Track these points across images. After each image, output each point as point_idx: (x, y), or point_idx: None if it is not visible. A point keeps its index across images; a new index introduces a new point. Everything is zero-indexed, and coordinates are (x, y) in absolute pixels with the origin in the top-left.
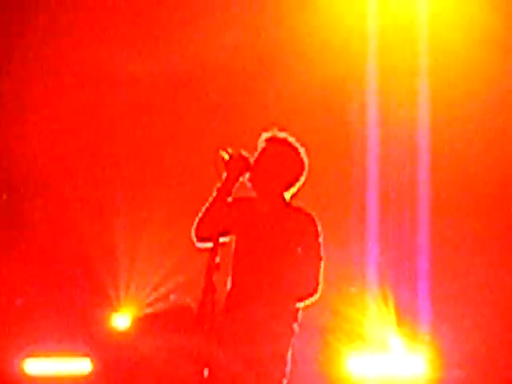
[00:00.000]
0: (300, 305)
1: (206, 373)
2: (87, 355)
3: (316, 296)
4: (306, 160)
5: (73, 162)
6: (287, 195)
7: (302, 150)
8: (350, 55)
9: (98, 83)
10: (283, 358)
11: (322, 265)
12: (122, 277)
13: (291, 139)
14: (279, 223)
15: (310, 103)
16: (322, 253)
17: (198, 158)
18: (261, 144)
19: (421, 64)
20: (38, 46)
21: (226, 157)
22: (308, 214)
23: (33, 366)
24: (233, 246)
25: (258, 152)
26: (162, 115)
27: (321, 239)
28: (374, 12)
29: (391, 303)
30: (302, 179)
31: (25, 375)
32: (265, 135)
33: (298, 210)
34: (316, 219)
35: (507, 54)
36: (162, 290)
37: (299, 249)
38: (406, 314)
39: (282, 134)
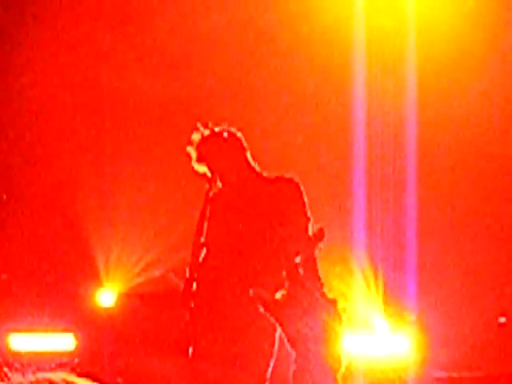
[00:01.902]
0: (296, 260)
1: (190, 350)
2: (72, 331)
3: (314, 247)
4: (232, 129)
5: (60, 135)
6: (252, 164)
7: (223, 128)
8: (337, 46)
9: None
10: (271, 336)
11: (310, 226)
12: (107, 253)
13: (207, 131)
14: (253, 198)
15: (298, 96)
16: (309, 213)
17: (181, 139)
18: (194, 152)
19: (408, 57)
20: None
21: (194, 155)
22: (287, 179)
23: (17, 341)
24: (214, 233)
25: (198, 158)
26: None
27: (305, 200)
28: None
29: (377, 283)
30: (244, 142)
31: (9, 351)
32: (192, 148)
33: (276, 177)
34: (297, 181)
35: (495, 45)
36: (148, 267)
37: (283, 215)
38: (390, 293)
39: (198, 135)
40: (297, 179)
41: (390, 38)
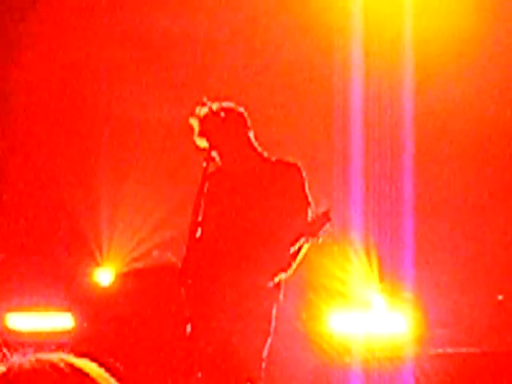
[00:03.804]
0: (293, 249)
1: (188, 329)
2: (70, 310)
3: (304, 239)
4: (238, 107)
5: (54, 116)
6: (255, 144)
7: (227, 104)
8: (333, 11)
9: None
10: (268, 315)
11: (311, 210)
12: (105, 231)
13: (215, 105)
14: (259, 180)
15: (294, 88)
16: (311, 199)
17: (177, 117)
18: (196, 125)
19: (406, 26)
20: None
21: (197, 127)
22: (290, 164)
23: (15, 320)
24: (213, 210)
25: (200, 132)
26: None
27: (306, 185)
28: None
29: (374, 261)
30: (246, 118)
31: (7, 329)
32: (193, 118)
33: (279, 161)
34: (299, 166)
35: (494, 37)
36: (146, 246)
37: (285, 199)
38: (388, 271)
39: (204, 110)
40: (299, 164)
41: (387, 32)
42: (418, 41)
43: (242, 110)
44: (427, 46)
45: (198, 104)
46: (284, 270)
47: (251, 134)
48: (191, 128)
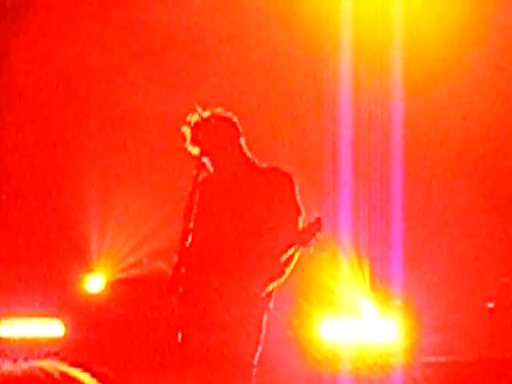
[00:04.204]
0: (284, 257)
1: (179, 337)
2: (60, 317)
3: (295, 247)
4: (229, 114)
5: (45, 124)
6: (246, 152)
7: (219, 111)
8: (323, 18)
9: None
10: (258, 323)
11: (302, 219)
12: (95, 238)
13: (206, 112)
14: (250, 187)
15: (284, 87)
16: (302, 208)
17: (173, 121)
18: (188, 132)
19: (394, 34)
20: None
21: (188, 134)
22: (281, 172)
23: (5, 327)
24: (204, 218)
25: (192, 140)
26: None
27: (297, 193)
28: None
29: (364, 268)
30: (239, 127)
31: None
32: (185, 126)
33: (269, 169)
34: (290, 175)
35: (481, 43)
36: (137, 254)
37: (275, 208)
38: (378, 278)
39: (195, 117)
40: (291, 173)
41: (376, 35)
42: (408, 46)
43: (232, 116)
44: (416, 51)
45: (189, 111)
46: (275, 278)
47: (242, 141)
48: (183, 136)
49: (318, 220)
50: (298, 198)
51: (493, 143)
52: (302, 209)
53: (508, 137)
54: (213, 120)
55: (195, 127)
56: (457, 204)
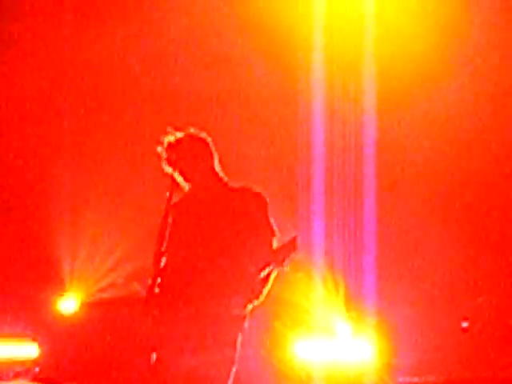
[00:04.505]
0: (259, 277)
1: (153, 358)
2: (34, 339)
3: (271, 267)
4: (202, 134)
5: (27, 140)
6: (220, 174)
7: (189, 131)
8: (295, 41)
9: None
10: (233, 343)
11: (276, 240)
12: (69, 260)
13: (177, 133)
14: (222, 207)
15: (257, 97)
16: (275, 228)
17: (146, 143)
18: (163, 152)
19: (367, 54)
20: None
21: (164, 155)
22: (254, 192)
23: None
24: (177, 239)
25: (167, 160)
26: (110, 105)
27: (270, 215)
28: (322, 2)
29: (338, 288)
30: (212, 148)
31: None
32: (159, 149)
33: (243, 189)
34: (263, 195)
35: (453, 44)
36: (111, 276)
37: (250, 228)
38: (352, 298)
39: (168, 138)
40: (264, 193)
41: (349, 42)
42: (381, 65)
43: (206, 137)
44: (389, 70)
45: (163, 133)
46: (252, 299)
47: (216, 161)
48: (158, 156)
49: (294, 239)
50: (272, 218)
51: (467, 162)
52: (276, 229)
53: (482, 155)
54: (186, 140)
55: (169, 148)
56: (431, 224)
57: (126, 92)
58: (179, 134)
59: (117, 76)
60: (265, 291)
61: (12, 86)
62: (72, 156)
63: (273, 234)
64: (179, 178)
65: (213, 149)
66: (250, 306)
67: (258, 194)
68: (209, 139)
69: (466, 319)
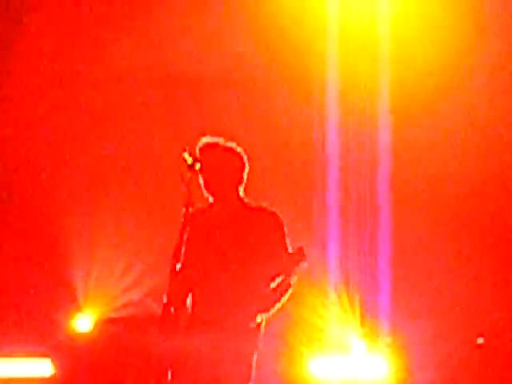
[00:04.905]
0: (273, 307)
1: (169, 375)
2: (49, 357)
3: (290, 291)
4: (243, 154)
5: (37, 158)
6: (241, 191)
7: (235, 147)
8: (310, 55)
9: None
10: (249, 362)
11: None
12: (85, 278)
13: (222, 141)
14: (240, 224)
15: (270, 105)
16: (290, 249)
17: (157, 158)
18: (198, 155)
19: (382, 65)
20: None
21: (189, 160)
22: (271, 212)
23: None
24: (193, 255)
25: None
26: (122, 113)
27: (287, 236)
28: (335, 13)
29: (353, 305)
30: (246, 172)
31: None
32: (199, 144)
33: (260, 209)
34: (279, 215)
35: (468, 53)
36: (128, 294)
37: (265, 249)
38: (367, 315)
39: (214, 139)
40: (279, 213)
41: (363, 44)
42: (396, 76)
43: (242, 152)
44: (405, 79)
45: (181, 147)
46: (264, 310)
47: (243, 179)
48: (176, 171)
49: (301, 249)
50: (288, 239)
51: (484, 172)
52: (290, 249)
53: (500, 166)
54: (225, 149)
55: (204, 150)
56: (446, 239)
57: (141, 103)
58: (216, 140)
59: (134, 82)
60: (277, 303)
61: (19, 87)
62: (86, 173)
63: (287, 253)
64: (203, 186)
65: (246, 166)
66: (262, 316)
67: (273, 213)
68: (245, 157)
69: (481, 335)
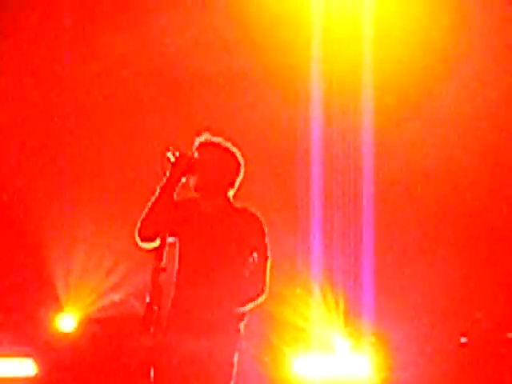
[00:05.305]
0: (247, 307)
1: (151, 375)
2: (32, 357)
3: (263, 297)
4: (241, 159)
5: (18, 155)
6: (230, 194)
7: (235, 151)
8: (294, 54)
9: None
10: (230, 360)
11: (269, 265)
12: (66, 277)
13: (224, 142)
14: (224, 224)
15: (255, 107)
16: (269, 253)
17: (139, 156)
18: (196, 149)
19: (365, 65)
20: None
21: (172, 158)
22: (253, 214)
23: None
24: (177, 248)
25: (195, 158)
26: (105, 113)
27: (267, 238)
28: (319, 15)
29: (336, 304)
30: (240, 178)
31: None
32: (198, 140)
33: (243, 210)
34: (262, 219)
35: (452, 51)
36: (110, 294)
37: (245, 249)
38: (350, 314)
39: (214, 138)
40: (260, 216)
41: (347, 49)
42: (380, 73)
43: (240, 157)
44: (389, 78)
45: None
46: (241, 321)
47: (236, 183)
48: (161, 170)
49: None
50: (267, 239)
51: (468, 176)
52: (269, 253)
53: (486, 171)
54: (224, 148)
55: (202, 147)
56: (428, 239)
57: (132, 104)
58: (215, 139)
59: (118, 82)
60: (254, 300)
61: (9, 91)
62: (68, 171)
63: (267, 259)
64: (195, 183)
65: (240, 172)
66: (240, 328)
67: (256, 216)
68: (242, 161)
69: (464, 335)
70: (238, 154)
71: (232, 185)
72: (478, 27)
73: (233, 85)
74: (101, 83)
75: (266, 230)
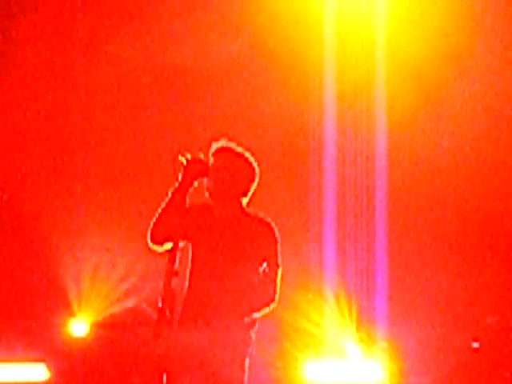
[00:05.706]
0: (257, 314)
1: (164, 380)
2: (44, 362)
3: (273, 305)
4: (256, 168)
5: (28, 164)
6: (244, 202)
7: (251, 159)
8: (307, 56)
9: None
10: (241, 366)
11: (280, 273)
12: (79, 282)
13: (240, 149)
14: (236, 230)
15: (267, 108)
16: (280, 261)
17: (151, 161)
18: (212, 154)
19: (378, 67)
20: None
21: (184, 162)
22: (266, 222)
23: None
24: (190, 252)
25: (211, 163)
26: (118, 116)
27: (279, 247)
28: (332, 16)
29: (349, 309)
30: (254, 186)
31: None
32: (215, 146)
33: (256, 217)
34: (274, 227)
35: (464, 54)
36: (122, 300)
37: (257, 257)
38: (363, 319)
39: (231, 144)
40: (273, 224)
41: (359, 47)
42: (392, 74)
43: (256, 167)
44: (401, 80)
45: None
46: (253, 327)
47: (250, 192)
48: (173, 174)
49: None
50: (279, 247)
51: (481, 179)
52: (280, 262)
53: (497, 174)
54: (240, 161)
55: (219, 153)
56: (442, 244)
57: (142, 114)
58: (232, 145)
59: (129, 87)
60: (265, 307)
61: (20, 95)
62: (82, 173)
63: (278, 266)
64: (210, 188)
65: (255, 180)
66: (251, 334)
67: (268, 223)
68: (257, 169)
69: (476, 340)
70: (254, 162)
71: (246, 192)
72: (491, 27)
73: (245, 87)
74: (111, 88)
75: (279, 238)
